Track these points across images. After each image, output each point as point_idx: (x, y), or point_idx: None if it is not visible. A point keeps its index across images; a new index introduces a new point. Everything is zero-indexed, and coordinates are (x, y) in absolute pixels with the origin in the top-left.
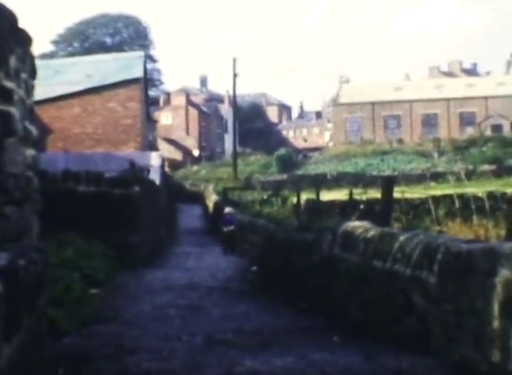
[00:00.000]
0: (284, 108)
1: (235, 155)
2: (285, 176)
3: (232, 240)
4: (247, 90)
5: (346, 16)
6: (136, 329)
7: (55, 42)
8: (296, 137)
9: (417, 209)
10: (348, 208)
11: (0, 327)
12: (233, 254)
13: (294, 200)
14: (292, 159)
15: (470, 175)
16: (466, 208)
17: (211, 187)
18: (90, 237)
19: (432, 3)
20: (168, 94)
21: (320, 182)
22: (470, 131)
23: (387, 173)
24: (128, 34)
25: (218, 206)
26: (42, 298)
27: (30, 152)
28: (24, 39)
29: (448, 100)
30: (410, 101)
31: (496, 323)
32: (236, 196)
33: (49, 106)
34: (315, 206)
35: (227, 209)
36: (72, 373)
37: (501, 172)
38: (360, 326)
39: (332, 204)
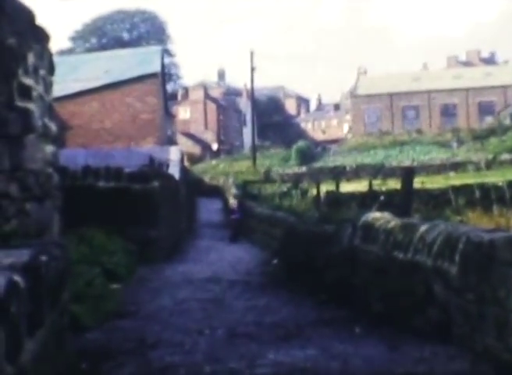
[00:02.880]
0: (302, 101)
1: (254, 148)
2: (304, 169)
3: (237, 227)
4: (265, 83)
5: (363, 7)
6: (158, 323)
7: (73, 38)
8: (315, 129)
9: (437, 200)
10: (368, 200)
11: (23, 323)
12: (238, 240)
13: (314, 192)
14: (311, 152)
15: (489, 164)
16: (486, 197)
17: (230, 180)
18: (110, 233)
19: None
20: (186, 89)
21: (339, 174)
22: (489, 120)
23: (406, 163)
24: (145, 29)
25: (238, 200)
26: (64, 293)
27: (50, 149)
28: (42, 36)
29: (466, 90)
30: (429, 92)
31: None
32: (256, 189)
33: (68, 102)
34: (335, 198)
35: (231, 201)
36: (95, 367)
37: None
38: (382, 317)
39: (351, 195)
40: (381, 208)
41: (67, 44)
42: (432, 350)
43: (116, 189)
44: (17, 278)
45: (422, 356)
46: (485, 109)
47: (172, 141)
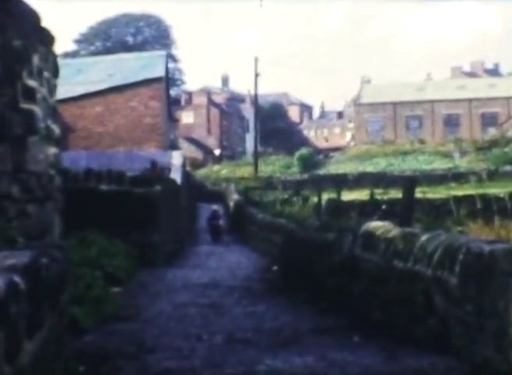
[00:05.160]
0: (305, 108)
1: (256, 154)
2: (306, 176)
3: (219, 231)
4: (269, 89)
5: (366, 15)
6: (157, 327)
7: (78, 41)
8: (318, 137)
9: (438, 210)
10: (369, 209)
11: (23, 324)
12: (220, 242)
13: (315, 200)
14: (313, 159)
15: (492, 175)
16: (487, 208)
17: (232, 186)
18: (111, 236)
19: (451, 3)
20: (189, 94)
21: (341, 182)
22: (492, 132)
23: (408, 173)
24: (150, 34)
25: (240, 206)
26: (64, 296)
27: (53, 151)
28: (47, 38)
29: (470, 100)
30: (432, 102)
31: None
32: (257, 196)
33: (71, 105)
34: (336, 206)
35: (214, 207)
36: (93, 370)
37: None
38: (381, 326)
39: (353, 204)
40: (382, 218)
41: (72, 47)
42: (431, 361)
43: (118, 192)
44: (17, 279)
45: (421, 367)
46: (488, 120)
47: (174, 146)
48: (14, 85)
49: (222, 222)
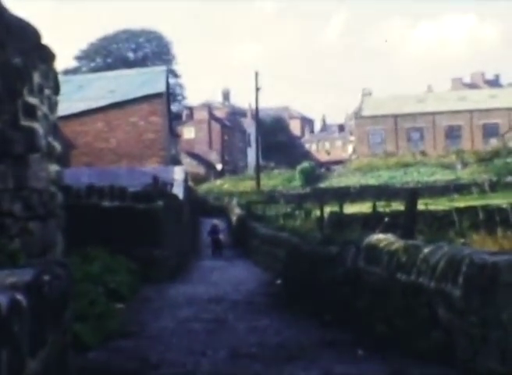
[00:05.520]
0: (307, 122)
1: (258, 168)
2: (308, 190)
3: (219, 245)
4: (270, 103)
5: (366, 28)
6: (161, 343)
7: (78, 58)
8: (319, 150)
9: (441, 221)
10: (372, 221)
11: (25, 342)
12: (221, 256)
13: (317, 213)
14: (315, 172)
15: (494, 186)
16: (490, 220)
17: (234, 200)
18: (114, 252)
19: (450, 16)
20: (190, 109)
21: (343, 195)
22: (493, 143)
23: (410, 185)
24: (150, 49)
25: (242, 220)
26: (67, 312)
27: (54, 168)
28: (47, 55)
29: (471, 111)
30: (433, 114)
31: None
32: (260, 210)
33: (73, 122)
34: (339, 219)
35: (215, 221)
36: None
37: None
38: (385, 340)
39: (355, 217)
40: (385, 230)
41: (73, 64)
42: (436, 373)
43: (120, 208)
44: (20, 297)
45: None
46: (489, 131)
47: (176, 161)
48: (15, 103)
49: (222, 236)
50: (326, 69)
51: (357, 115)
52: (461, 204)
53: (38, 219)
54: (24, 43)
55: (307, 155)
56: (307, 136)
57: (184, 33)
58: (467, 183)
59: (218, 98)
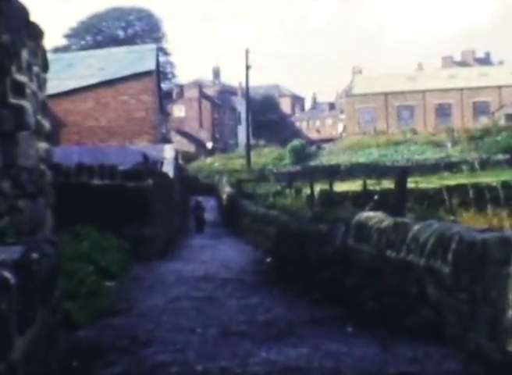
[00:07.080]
0: (297, 100)
1: (248, 146)
2: (298, 168)
3: (201, 222)
4: (260, 82)
5: (358, 6)
6: (151, 321)
7: (68, 36)
8: (310, 128)
9: (431, 199)
10: (362, 199)
11: (13, 320)
12: (202, 233)
13: (308, 191)
14: (305, 151)
15: (484, 165)
16: (480, 197)
17: (224, 179)
18: (104, 230)
19: None
20: (181, 87)
21: (333, 173)
22: (483, 121)
23: (401, 163)
24: (140, 27)
25: (233, 198)
26: (56, 291)
27: (43, 146)
28: (36, 33)
29: (461, 90)
30: (424, 92)
31: (510, 313)
32: (250, 188)
33: (62, 100)
34: (329, 197)
35: (199, 198)
36: (87, 365)
37: None
38: (375, 317)
39: (345, 195)
40: (375, 208)
41: (62, 42)
42: (425, 350)
43: (110, 187)
44: (7, 275)
45: (415, 356)
46: (479, 109)
47: (166, 139)
48: (3, 80)
49: (205, 213)
50: (317, 48)
51: (348, 93)
52: (451, 182)
53: (27, 197)
54: (12, 20)
55: (297, 133)
56: (297, 114)
57: (175, 11)
58: (458, 162)
59: (208, 77)
